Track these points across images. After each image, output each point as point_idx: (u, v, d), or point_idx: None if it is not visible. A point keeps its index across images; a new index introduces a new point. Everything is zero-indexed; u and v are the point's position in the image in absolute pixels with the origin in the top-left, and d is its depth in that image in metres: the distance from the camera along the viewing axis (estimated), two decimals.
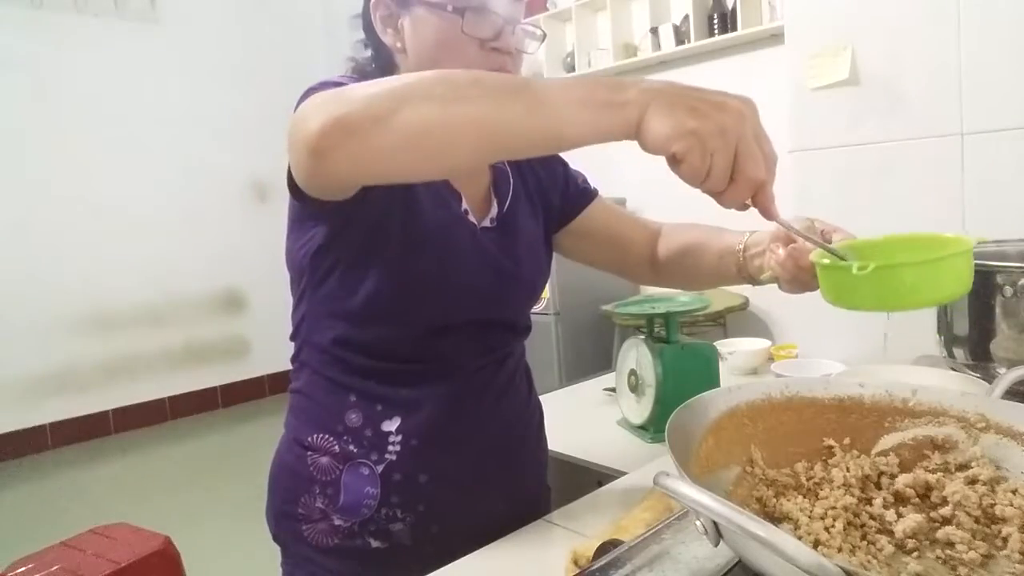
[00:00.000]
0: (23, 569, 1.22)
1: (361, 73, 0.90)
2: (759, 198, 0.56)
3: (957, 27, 1.43)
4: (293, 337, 0.88)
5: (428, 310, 0.80)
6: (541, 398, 1.01)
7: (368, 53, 0.89)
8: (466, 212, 0.84)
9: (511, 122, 0.55)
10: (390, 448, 0.80)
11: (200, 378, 4.18)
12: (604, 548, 0.63)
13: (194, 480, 3.22)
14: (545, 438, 0.99)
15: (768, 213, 0.58)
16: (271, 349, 4.30)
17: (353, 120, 0.55)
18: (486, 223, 0.86)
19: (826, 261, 0.64)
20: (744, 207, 0.58)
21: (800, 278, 0.74)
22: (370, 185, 0.69)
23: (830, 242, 0.71)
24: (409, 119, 0.54)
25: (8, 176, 3.55)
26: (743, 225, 0.88)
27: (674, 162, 0.55)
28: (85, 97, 3.75)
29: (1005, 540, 0.49)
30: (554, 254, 1.01)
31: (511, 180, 0.92)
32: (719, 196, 0.56)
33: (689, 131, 0.53)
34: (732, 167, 0.54)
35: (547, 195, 0.97)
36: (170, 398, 4.07)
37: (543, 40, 0.86)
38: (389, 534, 0.80)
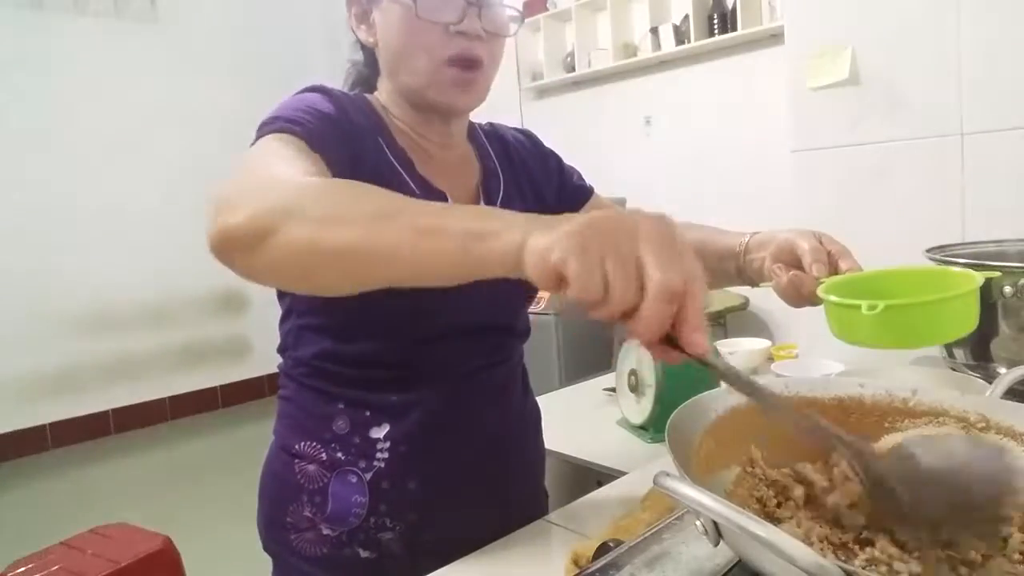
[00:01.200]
0: (23, 569, 1.22)
1: (358, 77, 0.90)
2: (680, 323, 0.41)
3: (957, 27, 1.43)
4: (280, 351, 0.86)
5: (416, 319, 0.78)
6: (541, 398, 1.00)
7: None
8: None
9: (376, 257, 0.49)
10: (378, 455, 0.78)
11: (200, 378, 4.18)
12: (604, 548, 0.63)
13: (194, 480, 3.22)
14: (542, 441, 0.97)
15: (692, 345, 0.41)
16: (271, 349, 4.23)
17: (239, 235, 0.54)
18: None
19: (833, 298, 0.64)
20: (665, 342, 0.42)
21: (800, 304, 0.73)
22: None
23: (837, 269, 0.71)
24: (283, 242, 0.51)
25: (8, 176, 3.55)
26: (744, 230, 0.88)
27: (562, 282, 0.42)
28: (85, 97, 3.75)
29: (1005, 540, 0.49)
30: None
31: (501, 177, 0.89)
32: (632, 323, 0.42)
33: (575, 238, 0.41)
34: (638, 276, 0.41)
35: (541, 192, 0.94)
36: (170, 398, 4.07)
37: (522, 21, 0.83)
38: (379, 543, 0.79)
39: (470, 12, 0.75)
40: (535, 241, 0.43)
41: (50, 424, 3.67)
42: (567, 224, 0.42)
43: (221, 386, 4.28)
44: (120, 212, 3.87)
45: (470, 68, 0.77)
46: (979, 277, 0.61)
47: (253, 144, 0.68)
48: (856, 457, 0.49)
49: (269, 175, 0.60)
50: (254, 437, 3.77)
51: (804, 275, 0.72)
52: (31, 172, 3.61)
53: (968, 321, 0.61)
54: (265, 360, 4.34)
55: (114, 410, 3.88)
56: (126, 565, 1.22)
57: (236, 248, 0.54)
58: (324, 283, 0.57)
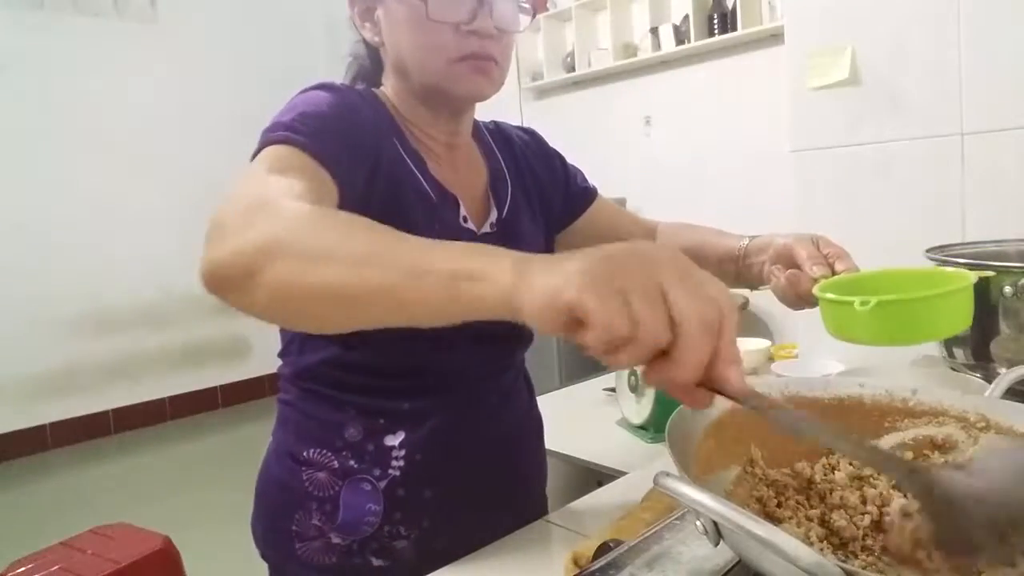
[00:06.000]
0: (23, 569, 1.22)
1: (361, 72, 0.89)
2: (713, 359, 0.38)
3: (957, 27, 1.43)
4: (282, 355, 0.84)
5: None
6: (541, 398, 0.99)
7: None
8: (464, 219, 0.80)
9: (362, 299, 0.47)
10: (394, 463, 0.77)
11: (200, 378, 4.17)
12: (604, 548, 0.63)
13: (194, 480, 3.22)
14: (544, 449, 0.97)
15: (729, 382, 0.40)
16: (271, 349, 4.22)
17: (226, 273, 0.52)
18: (486, 228, 0.83)
19: (829, 295, 0.64)
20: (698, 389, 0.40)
21: (799, 305, 0.74)
22: (353, 206, 0.61)
23: (834, 270, 0.71)
24: (268, 281, 0.49)
25: (8, 176, 3.55)
26: (744, 230, 0.88)
27: (576, 324, 0.38)
28: (85, 97, 3.75)
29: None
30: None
31: (508, 180, 0.88)
32: (667, 364, 0.38)
33: (588, 274, 0.38)
34: (667, 310, 0.37)
35: (547, 196, 0.94)
36: (170, 398, 4.07)
37: (534, 16, 0.81)
38: (392, 551, 0.78)
39: (481, 11, 0.74)
40: (539, 281, 0.39)
41: (50, 424, 3.67)
42: (572, 261, 0.39)
43: (221, 386, 4.27)
44: (120, 212, 3.87)
45: (484, 62, 0.76)
46: (972, 276, 0.61)
47: (254, 154, 0.65)
48: (919, 483, 0.44)
49: (260, 200, 0.56)
50: (254, 437, 3.77)
51: (801, 274, 0.72)
52: (31, 172, 3.61)
53: (961, 319, 0.61)
54: (265, 360, 4.33)
55: (114, 410, 3.88)
56: (126, 565, 1.22)
57: (224, 287, 0.52)
58: (313, 324, 0.56)
